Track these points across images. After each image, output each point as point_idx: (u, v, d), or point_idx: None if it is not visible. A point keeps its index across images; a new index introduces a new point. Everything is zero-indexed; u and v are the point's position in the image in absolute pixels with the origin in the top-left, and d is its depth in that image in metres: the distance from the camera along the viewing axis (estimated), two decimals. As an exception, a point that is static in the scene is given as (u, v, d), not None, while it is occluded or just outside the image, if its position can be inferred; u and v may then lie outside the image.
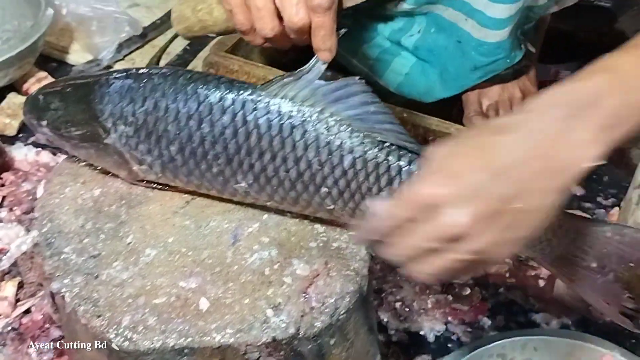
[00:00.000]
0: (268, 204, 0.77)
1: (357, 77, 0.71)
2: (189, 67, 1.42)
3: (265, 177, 0.73)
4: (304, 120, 0.71)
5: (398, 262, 0.61)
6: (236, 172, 0.73)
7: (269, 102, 0.72)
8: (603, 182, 1.20)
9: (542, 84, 1.25)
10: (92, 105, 0.74)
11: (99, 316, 0.67)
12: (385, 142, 0.72)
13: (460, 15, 1.08)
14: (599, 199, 1.17)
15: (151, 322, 0.67)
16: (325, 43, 0.70)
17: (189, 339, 0.66)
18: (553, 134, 0.56)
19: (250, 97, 0.72)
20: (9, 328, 0.90)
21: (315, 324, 0.69)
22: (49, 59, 1.42)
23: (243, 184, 0.74)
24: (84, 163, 0.82)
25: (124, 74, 0.76)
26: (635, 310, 0.80)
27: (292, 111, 0.72)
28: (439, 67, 1.16)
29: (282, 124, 0.71)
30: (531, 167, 0.56)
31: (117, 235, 0.75)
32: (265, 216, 0.78)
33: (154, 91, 0.73)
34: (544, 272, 1.07)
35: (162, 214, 0.78)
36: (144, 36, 1.46)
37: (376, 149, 0.72)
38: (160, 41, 1.46)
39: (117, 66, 1.41)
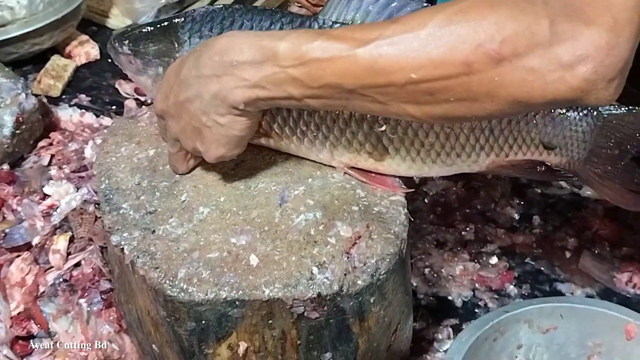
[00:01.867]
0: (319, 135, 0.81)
1: None
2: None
3: None
4: None
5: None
6: None
7: (331, 27, 0.78)
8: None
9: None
10: (174, 22, 0.83)
11: (156, 268, 0.71)
12: None
13: None
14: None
15: (205, 275, 0.71)
16: None
17: (240, 292, 0.70)
18: (224, 73, 0.69)
19: (315, 22, 0.79)
20: (61, 280, 0.94)
21: (357, 282, 0.73)
22: (90, 22, 1.46)
23: None
24: (139, 124, 0.86)
25: (209, 5, 0.85)
26: None
27: None
28: None
29: None
30: (204, 97, 0.71)
31: (172, 193, 0.79)
32: (310, 180, 0.81)
33: (232, 13, 0.81)
34: (571, 243, 1.11)
35: (213, 174, 0.81)
36: (182, 2, 1.49)
37: None
38: (198, 8, 1.50)
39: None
